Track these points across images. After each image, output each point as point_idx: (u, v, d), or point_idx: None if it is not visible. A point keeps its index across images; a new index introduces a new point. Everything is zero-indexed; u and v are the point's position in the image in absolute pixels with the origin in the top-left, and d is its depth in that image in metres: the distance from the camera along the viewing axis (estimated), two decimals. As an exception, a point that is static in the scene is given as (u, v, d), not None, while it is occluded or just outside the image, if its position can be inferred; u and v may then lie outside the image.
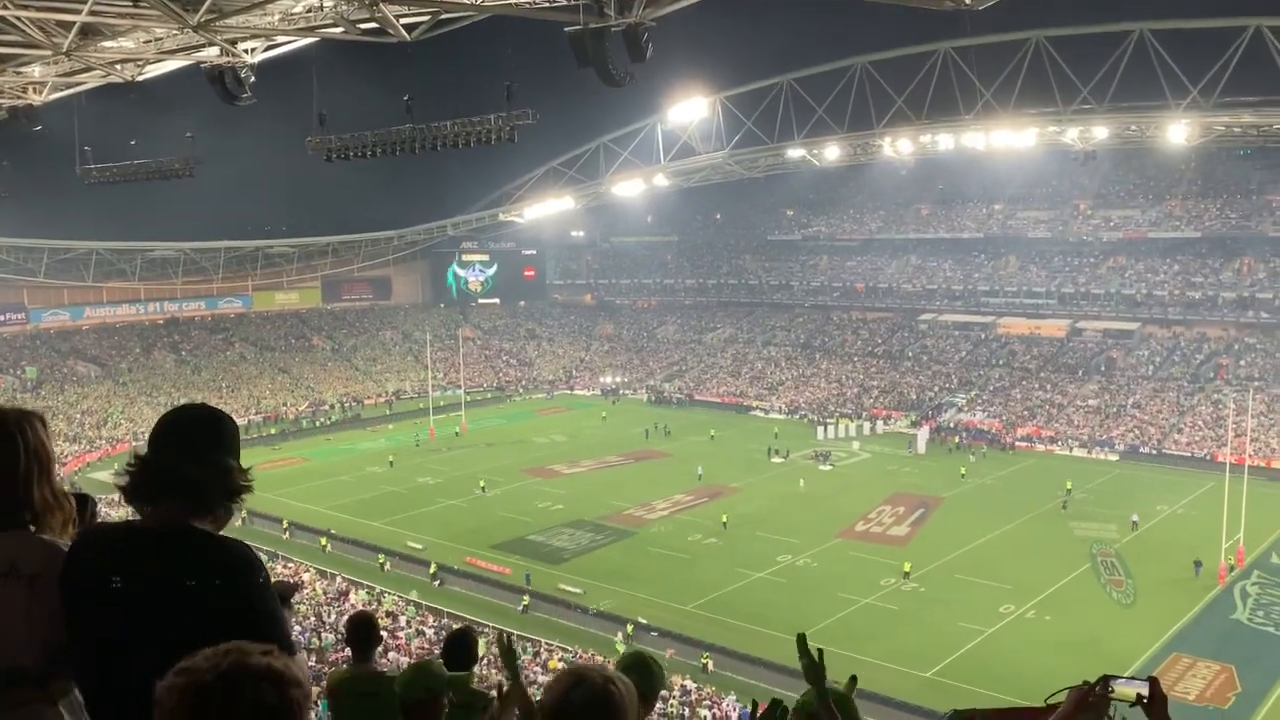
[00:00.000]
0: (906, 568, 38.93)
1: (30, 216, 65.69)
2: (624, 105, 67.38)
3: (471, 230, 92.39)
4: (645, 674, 3.31)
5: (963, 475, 54.46)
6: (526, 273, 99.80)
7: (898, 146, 61.77)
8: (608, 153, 73.46)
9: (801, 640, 2.89)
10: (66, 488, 2.71)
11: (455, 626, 22.65)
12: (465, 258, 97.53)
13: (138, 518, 2.42)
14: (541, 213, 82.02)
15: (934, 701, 28.52)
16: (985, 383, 72.54)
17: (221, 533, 2.43)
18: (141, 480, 2.39)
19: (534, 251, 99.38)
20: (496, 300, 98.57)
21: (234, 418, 2.64)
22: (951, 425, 66.56)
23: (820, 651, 2.75)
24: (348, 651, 6.13)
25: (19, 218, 64.90)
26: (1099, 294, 75.80)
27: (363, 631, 5.54)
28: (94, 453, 60.70)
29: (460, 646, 5.40)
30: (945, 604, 35.84)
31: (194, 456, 2.39)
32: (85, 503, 2.80)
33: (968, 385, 72.73)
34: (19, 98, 27.18)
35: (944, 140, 59.99)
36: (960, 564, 40.12)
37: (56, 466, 2.60)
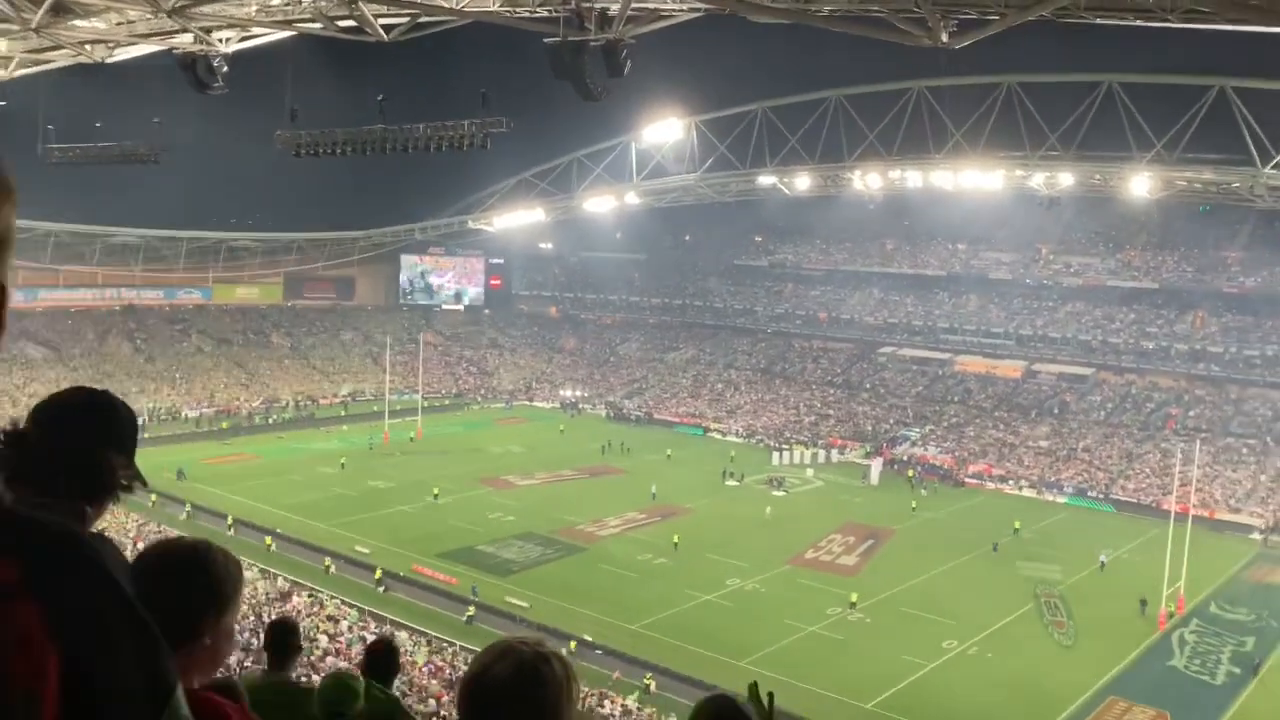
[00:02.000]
0: (853, 598, 39.09)
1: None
2: (599, 122, 67.49)
3: (439, 235, 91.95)
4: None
5: (914, 509, 54.88)
6: (493, 282, 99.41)
7: (867, 180, 62.43)
8: (581, 168, 73.61)
9: (753, 689, 2.79)
10: None
11: (376, 636, 22.35)
12: (431, 263, 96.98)
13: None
14: (511, 223, 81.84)
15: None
16: (940, 418, 73.26)
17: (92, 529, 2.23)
18: (19, 458, 2.08)
19: (501, 261, 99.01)
20: (460, 307, 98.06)
21: (131, 410, 2.38)
22: (905, 458, 67.11)
23: (771, 696, 2.64)
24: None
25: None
26: (1055, 338, 76.99)
27: (283, 638, 5.34)
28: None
29: (381, 657, 5.25)
30: (889, 636, 36.02)
31: (75, 443, 2.12)
32: None
33: (923, 420, 73.41)
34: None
35: (912, 177, 60.76)
36: (906, 597, 40.36)
37: None
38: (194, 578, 1.75)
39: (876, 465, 63.43)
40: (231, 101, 26.72)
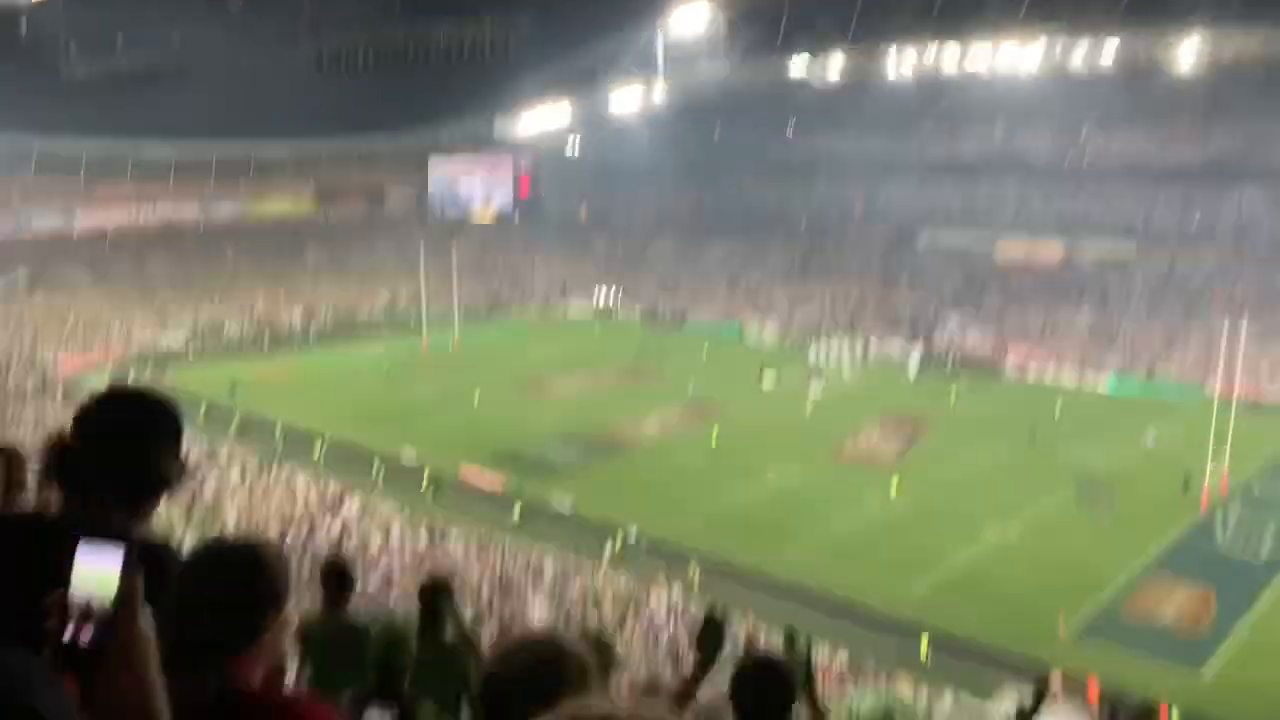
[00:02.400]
0: (894, 488, 39.42)
1: (18, 117, 64.42)
2: (625, 15, 65.84)
3: (466, 139, 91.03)
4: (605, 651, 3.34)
5: (953, 398, 54.81)
6: (522, 184, 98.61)
7: (902, 63, 60.64)
8: (607, 64, 72.07)
9: (790, 636, 2.87)
10: None
11: (430, 578, 22.85)
12: (459, 169, 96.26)
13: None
14: (538, 125, 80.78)
15: (915, 617, 29.21)
16: (979, 305, 72.53)
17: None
18: (67, 469, 2.20)
19: (529, 164, 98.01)
20: (490, 213, 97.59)
21: (174, 403, 2.39)
22: (944, 347, 66.74)
23: (809, 642, 2.71)
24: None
25: (6, 118, 63.70)
26: (1098, 218, 75.32)
27: (336, 579, 5.48)
28: (88, 357, 60.58)
29: (430, 600, 5.34)
30: (930, 524, 36.40)
31: (127, 448, 2.17)
32: (10, 461, 2.66)
33: (962, 307, 72.72)
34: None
35: (949, 57, 58.93)
36: (946, 485, 40.63)
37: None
38: (253, 582, 1.77)
39: (915, 355, 63.20)
40: (254, 11, 26.30)
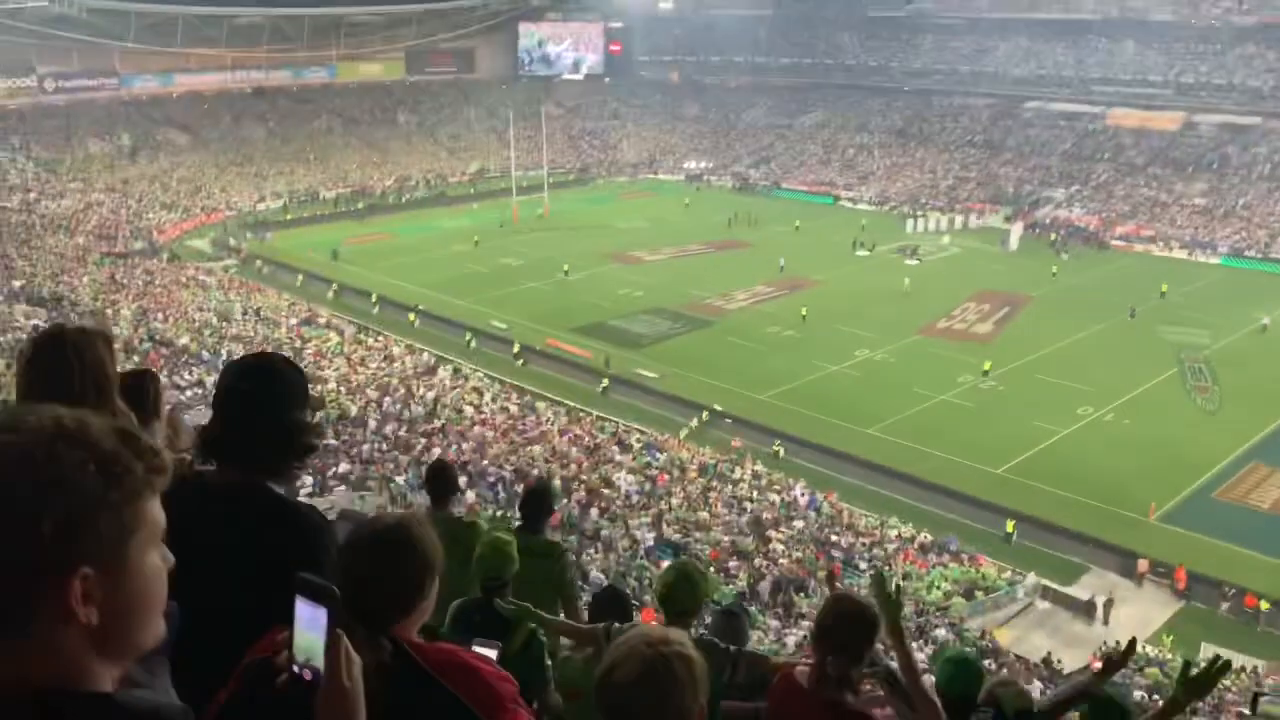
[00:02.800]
0: (986, 366, 38.73)
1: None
2: None
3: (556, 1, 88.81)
4: (690, 587, 3.41)
5: (1054, 274, 53.03)
6: (612, 47, 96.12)
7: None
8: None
9: (879, 579, 2.83)
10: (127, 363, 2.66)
11: (531, 478, 23.32)
12: (548, 30, 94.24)
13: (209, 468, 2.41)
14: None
15: (1002, 497, 29.10)
16: (1087, 177, 69.27)
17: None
18: (215, 438, 2.35)
19: (620, 25, 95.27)
20: (580, 76, 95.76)
21: (300, 369, 2.55)
22: (1048, 221, 64.22)
23: (898, 588, 2.67)
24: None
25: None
26: (1221, 84, 70.45)
27: (441, 479, 5.64)
28: (189, 221, 62.40)
29: (532, 502, 5.44)
30: (1023, 403, 35.80)
31: (268, 414, 2.33)
32: (145, 382, 2.75)
33: (1068, 179, 69.57)
34: None
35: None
36: (1042, 364, 39.73)
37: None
38: (410, 557, 1.93)
39: (1017, 229, 60.94)
40: None
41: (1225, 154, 66.87)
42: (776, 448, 32.39)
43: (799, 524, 26.60)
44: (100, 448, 1.21)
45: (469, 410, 31.85)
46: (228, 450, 2.35)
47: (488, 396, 34.13)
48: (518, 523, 5.62)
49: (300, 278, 51.08)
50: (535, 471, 26.31)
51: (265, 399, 2.35)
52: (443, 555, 2.00)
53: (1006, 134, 77.07)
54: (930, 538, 26.95)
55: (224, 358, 32.27)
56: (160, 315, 37.65)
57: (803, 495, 28.46)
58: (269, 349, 34.31)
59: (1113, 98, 74.57)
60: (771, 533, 25.60)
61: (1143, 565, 26.13)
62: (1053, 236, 60.77)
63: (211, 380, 28.79)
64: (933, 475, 30.44)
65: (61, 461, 1.18)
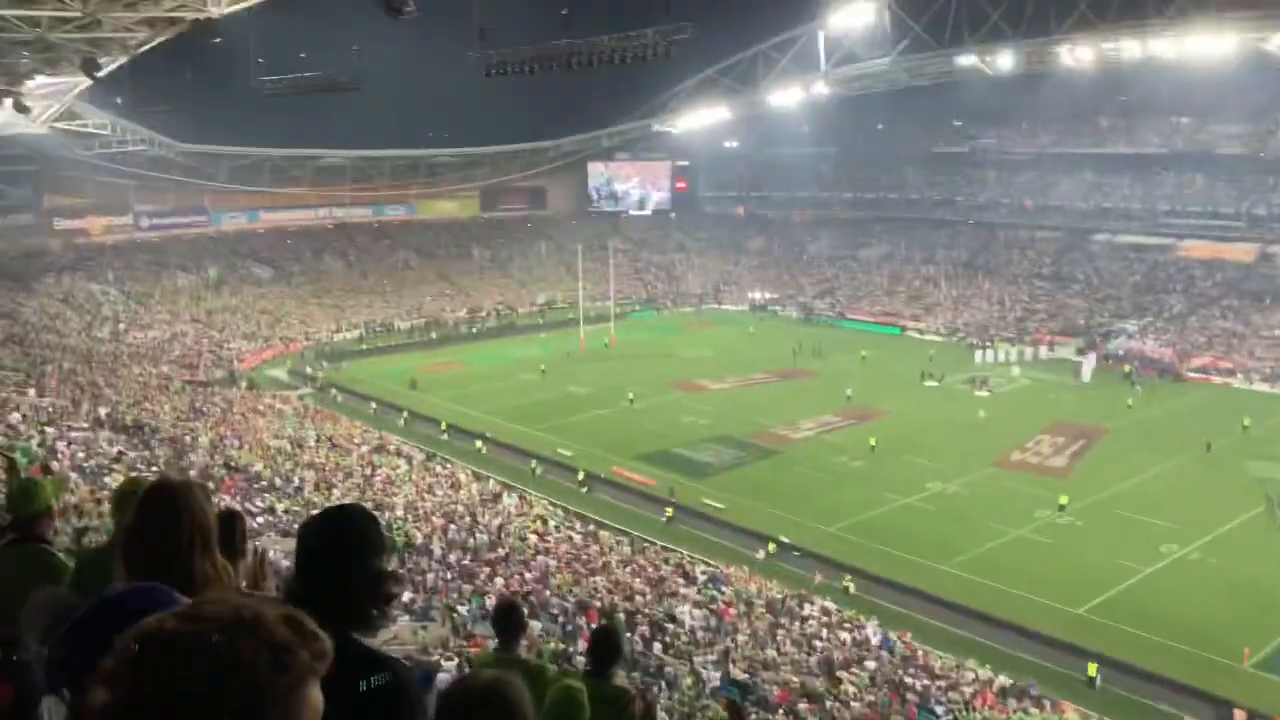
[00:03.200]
0: (1063, 500, 37.57)
1: (210, 125, 69.22)
2: (784, 11, 65.10)
3: (624, 140, 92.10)
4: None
5: (1129, 406, 51.83)
6: (678, 184, 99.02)
7: (1078, 54, 57.65)
8: (766, 60, 71.34)
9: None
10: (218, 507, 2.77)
11: (597, 616, 23.03)
12: (616, 169, 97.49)
13: None
14: (695, 123, 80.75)
15: (1083, 639, 27.74)
16: (1160, 309, 68.32)
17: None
18: (299, 594, 2.40)
19: (686, 163, 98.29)
20: (647, 212, 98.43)
21: (378, 521, 2.63)
22: (1120, 353, 63.16)
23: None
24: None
25: (200, 126, 68.57)
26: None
27: (509, 618, 5.56)
28: (269, 350, 64.56)
29: (601, 648, 5.32)
30: (1102, 539, 34.50)
31: (351, 569, 2.38)
32: (232, 523, 2.83)
33: (1140, 311, 68.67)
34: (199, 10, 28.31)
35: (1129, 48, 55.53)
36: (1121, 499, 38.43)
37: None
38: (510, 714, 2.11)
39: (1089, 361, 59.97)
40: (423, 25, 27.35)
41: (1303, 286, 65.59)
42: (846, 583, 31.51)
43: (871, 664, 25.60)
44: (274, 637, 1.28)
45: (533, 539, 31.68)
46: (313, 606, 2.38)
47: (552, 524, 33.97)
48: (585, 667, 5.48)
49: (374, 405, 52.15)
50: (598, 603, 25.87)
51: (348, 555, 2.39)
52: (531, 706, 2.05)
53: (1074, 266, 76.77)
54: (1009, 681, 25.68)
55: (296, 484, 32.80)
56: (236, 441, 38.55)
57: (875, 634, 27.47)
58: (340, 475, 34.87)
59: (1182, 230, 74.13)
60: (843, 673, 24.66)
61: (1240, 716, 24.51)
62: (1126, 368, 59.67)
63: (283, 507, 29.21)
64: (1010, 614, 29.24)
65: (240, 650, 1.24)
